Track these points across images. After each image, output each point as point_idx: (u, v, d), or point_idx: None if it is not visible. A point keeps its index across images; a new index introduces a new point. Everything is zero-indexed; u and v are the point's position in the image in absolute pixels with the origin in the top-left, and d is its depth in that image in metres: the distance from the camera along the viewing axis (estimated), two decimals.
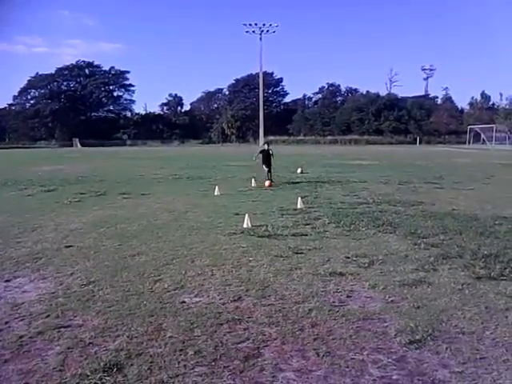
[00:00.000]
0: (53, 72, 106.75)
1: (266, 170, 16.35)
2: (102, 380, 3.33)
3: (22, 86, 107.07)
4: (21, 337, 4.05)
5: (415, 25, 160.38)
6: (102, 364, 3.52)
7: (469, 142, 71.75)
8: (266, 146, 17.18)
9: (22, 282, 5.60)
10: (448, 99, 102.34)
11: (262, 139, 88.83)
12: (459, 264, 6.10)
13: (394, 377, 3.39)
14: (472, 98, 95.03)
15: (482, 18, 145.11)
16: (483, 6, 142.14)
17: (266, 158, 16.57)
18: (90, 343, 3.92)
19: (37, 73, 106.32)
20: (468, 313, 4.49)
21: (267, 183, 15.70)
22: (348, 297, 5.00)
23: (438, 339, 3.94)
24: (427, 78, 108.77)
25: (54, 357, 3.70)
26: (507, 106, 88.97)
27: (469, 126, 73.36)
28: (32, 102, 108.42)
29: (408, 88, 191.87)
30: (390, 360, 3.62)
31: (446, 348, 3.79)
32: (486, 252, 6.56)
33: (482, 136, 70.04)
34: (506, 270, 5.73)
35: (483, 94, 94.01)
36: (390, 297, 4.96)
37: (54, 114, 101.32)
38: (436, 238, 7.58)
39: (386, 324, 4.27)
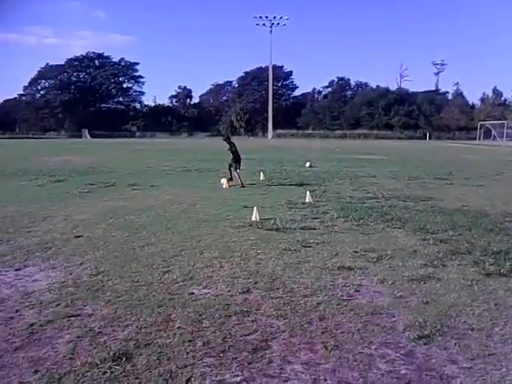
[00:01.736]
0: (63, 63, 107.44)
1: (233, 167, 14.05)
2: (111, 369, 3.35)
3: (32, 76, 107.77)
4: (31, 325, 4.09)
5: (427, 20, 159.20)
6: (111, 353, 3.55)
7: (479, 138, 71.20)
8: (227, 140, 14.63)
9: (33, 271, 5.65)
10: (459, 95, 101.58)
11: (270, 132, 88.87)
12: (468, 260, 6.07)
13: (402, 371, 3.38)
14: (483, 93, 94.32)
15: (494, 14, 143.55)
16: (495, 2, 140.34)
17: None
18: (99, 332, 3.95)
19: (47, 63, 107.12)
20: (477, 309, 4.47)
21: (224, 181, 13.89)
22: (356, 291, 5.00)
23: (446, 335, 3.93)
24: (438, 72, 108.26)
25: (64, 345, 3.73)
26: None
27: (479, 122, 72.81)
28: (42, 92, 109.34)
29: (418, 83, 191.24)
30: (398, 355, 3.61)
31: (455, 344, 3.77)
32: (495, 249, 6.52)
33: (493, 132, 69.50)
34: None
35: (495, 90, 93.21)
36: (398, 292, 4.94)
37: (63, 105, 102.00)
38: (445, 234, 7.54)
39: (394, 319, 4.27)
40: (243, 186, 13.61)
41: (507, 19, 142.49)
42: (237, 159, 14.16)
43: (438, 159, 28.53)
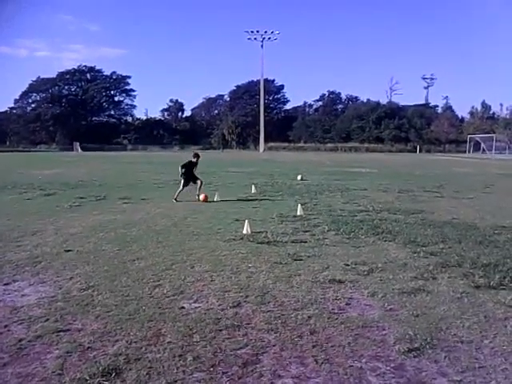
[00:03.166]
0: (54, 76, 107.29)
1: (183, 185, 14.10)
2: None
3: (23, 89, 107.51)
4: (20, 340, 4.05)
5: (416, 34, 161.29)
6: (100, 368, 3.52)
7: (469, 151, 71.91)
8: (193, 159, 14.40)
9: (22, 286, 5.60)
10: (448, 108, 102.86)
11: (262, 145, 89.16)
12: (458, 273, 6.11)
13: None
14: (472, 107, 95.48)
15: (483, 28, 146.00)
16: (484, 16, 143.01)
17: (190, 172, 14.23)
18: (88, 347, 3.92)
19: (38, 76, 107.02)
20: (467, 321, 4.50)
21: (202, 197, 13.78)
22: (347, 304, 5.01)
23: (436, 347, 3.94)
24: (428, 86, 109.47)
25: (52, 361, 3.70)
26: (507, 116, 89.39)
27: (469, 136, 73.63)
28: (33, 105, 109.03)
29: (408, 97, 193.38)
30: (388, 368, 3.62)
31: (445, 356, 3.79)
32: (485, 261, 6.56)
33: (482, 145, 70.25)
34: (505, 280, 5.73)
35: (483, 104, 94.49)
36: (388, 305, 4.96)
37: (54, 118, 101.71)
38: (435, 247, 7.59)
39: (384, 332, 4.27)
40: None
41: (495, 34, 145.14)
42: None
43: (429, 172, 28.74)
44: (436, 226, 9.49)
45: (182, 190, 13.99)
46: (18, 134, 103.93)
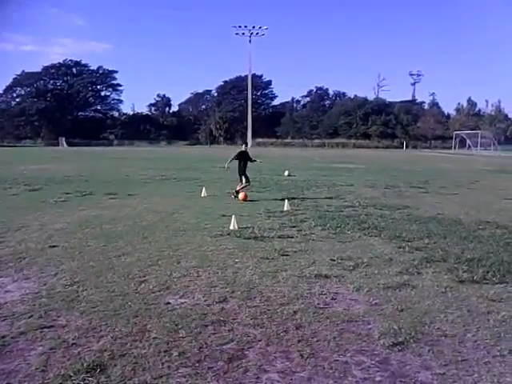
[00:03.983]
0: (39, 70, 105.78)
1: (242, 179, 13.52)
2: (84, 381, 3.31)
3: (7, 84, 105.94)
4: (3, 337, 4.01)
5: (404, 31, 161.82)
6: (85, 365, 3.50)
7: (454, 148, 72.56)
8: (243, 147, 14.06)
9: (5, 282, 5.54)
10: (435, 105, 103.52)
11: (249, 141, 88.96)
12: (443, 267, 6.17)
13: (377, 378, 3.42)
14: (458, 104, 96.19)
15: (470, 26, 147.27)
16: (471, 14, 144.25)
17: (243, 163, 13.62)
18: (73, 344, 3.90)
19: (23, 71, 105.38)
20: (450, 316, 4.55)
21: (242, 195, 13.01)
22: (333, 299, 5.03)
23: (420, 341, 3.98)
24: (415, 83, 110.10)
25: (36, 357, 3.67)
26: (492, 113, 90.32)
27: (455, 132, 74.26)
28: (18, 100, 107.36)
29: (395, 93, 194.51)
30: (373, 362, 3.65)
31: (429, 350, 3.83)
32: (469, 256, 6.64)
33: (468, 142, 70.93)
34: (488, 274, 5.81)
35: (469, 101, 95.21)
36: (374, 299, 5.00)
37: (40, 113, 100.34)
38: (420, 242, 7.65)
39: (369, 326, 4.31)
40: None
41: (481, 32, 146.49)
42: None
43: (415, 168, 28.96)
44: (421, 221, 9.57)
45: (247, 184, 13.50)
46: (3, 128, 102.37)
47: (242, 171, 13.56)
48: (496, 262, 6.37)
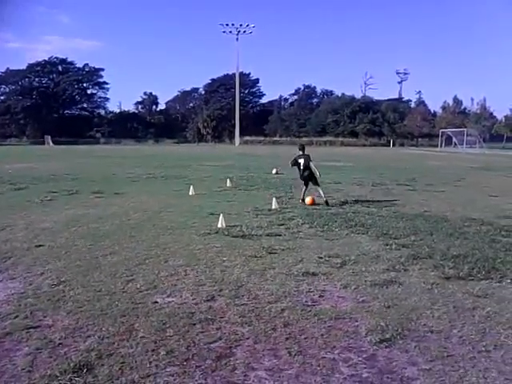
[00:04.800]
0: (24, 68, 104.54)
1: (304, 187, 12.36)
2: (71, 381, 3.29)
3: None
4: None
5: (390, 30, 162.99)
6: (71, 365, 3.48)
7: (441, 145, 73.15)
8: (300, 152, 12.69)
9: None
10: (421, 103, 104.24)
11: (237, 139, 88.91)
12: (429, 264, 6.23)
13: (364, 375, 3.44)
14: (444, 102, 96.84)
15: (456, 24, 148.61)
16: (457, 13, 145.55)
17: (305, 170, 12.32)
18: (59, 344, 3.87)
19: (7, 68, 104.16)
20: (437, 312, 4.59)
21: (309, 200, 11.88)
22: (320, 296, 5.05)
23: (407, 338, 4.02)
24: (401, 81, 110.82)
25: (22, 358, 3.63)
26: (478, 111, 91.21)
27: (441, 130, 74.86)
28: (2, 97, 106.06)
29: (383, 91, 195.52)
30: (360, 358, 3.67)
31: (415, 346, 3.86)
32: (455, 253, 6.71)
33: (454, 139, 71.48)
34: (473, 270, 5.87)
35: (455, 99, 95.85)
36: (361, 296, 5.03)
37: (25, 111, 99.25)
38: (407, 239, 7.72)
39: (357, 323, 4.33)
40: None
41: (467, 31, 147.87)
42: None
43: (402, 166, 29.15)
44: (408, 218, 9.65)
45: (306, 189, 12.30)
46: None
47: (305, 178, 12.31)
48: (481, 258, 6.44)
